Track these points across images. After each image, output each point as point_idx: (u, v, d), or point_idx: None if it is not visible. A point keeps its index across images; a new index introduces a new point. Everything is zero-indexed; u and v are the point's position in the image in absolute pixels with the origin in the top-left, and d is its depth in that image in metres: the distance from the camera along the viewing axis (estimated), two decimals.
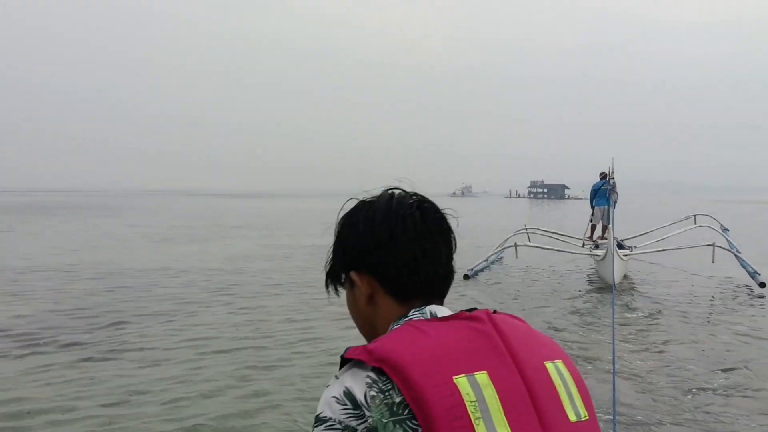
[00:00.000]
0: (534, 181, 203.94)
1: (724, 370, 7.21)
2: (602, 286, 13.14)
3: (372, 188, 1.20)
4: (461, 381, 0.95)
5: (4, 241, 22.79)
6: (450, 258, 1.17)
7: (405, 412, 0.93)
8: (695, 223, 18.76)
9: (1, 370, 6.96)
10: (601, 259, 13.48)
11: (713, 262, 13.96)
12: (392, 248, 1.11)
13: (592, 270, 15.53)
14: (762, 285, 12.54)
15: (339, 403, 0.96)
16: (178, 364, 7.23)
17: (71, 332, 8.68)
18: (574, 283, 13.98)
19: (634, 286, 13.43)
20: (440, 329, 1.02)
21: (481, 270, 14.95)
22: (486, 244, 18.66)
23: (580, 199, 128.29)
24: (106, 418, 5.60)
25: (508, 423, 0.95)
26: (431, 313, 1.10)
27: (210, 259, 17.45)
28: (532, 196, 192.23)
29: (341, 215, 1.20)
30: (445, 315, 1.09)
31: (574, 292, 12.57)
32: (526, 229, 18.46)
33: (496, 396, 0.96)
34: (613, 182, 14.06)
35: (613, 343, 5.57)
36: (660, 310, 10.66)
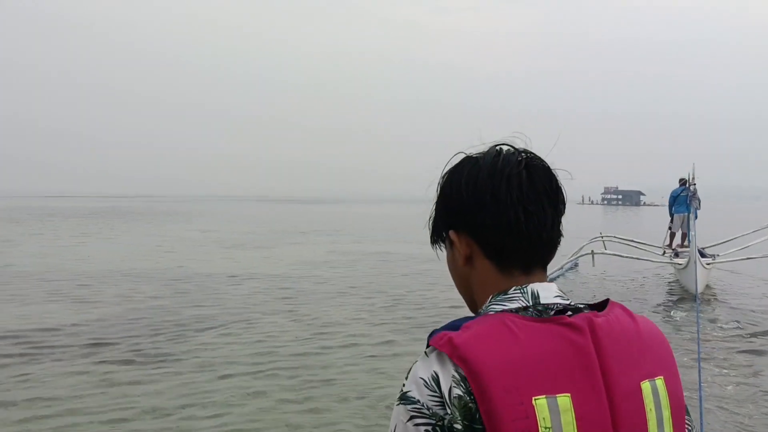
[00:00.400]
0: (608, 187, 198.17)
1: None
2: (684, 296, 12.64)
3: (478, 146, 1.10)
4: (540, 403, 0.89)
5: (78, 246, 23.38)
6: (557, 221, 1.07)
7: (482, 425, 0.88)
8: None
9: (56, 376, 6.99)
10: (683, 268, 12.98)
11: None
12: (494, 209, 1.03)
13: (672, 279, 14.98)
14: None
15: (427, 387, 0.91)
16: (234, 376, 7.07)
17: (132, 338, 8.69)
18: (653, 292, 13.50)
19: (717, 296, 12.86)
20: (533, 335, 0.93)
21: (556, 278, 14.63)
22: (560, 251, 18.20)
23: (657, 206, 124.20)
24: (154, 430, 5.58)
25: None
26: (533, 295, 1.01)
27: (276, 265, 17.50)
28: (605, 202, 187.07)
29: (445, 169, 1.12)
30: (547, 302, 1.00)
31: (653, 303, 12.13)
32: (602, 236, 17.96)
33: (574, 423, 0.90)
34: (694, 189, 13.51)
35: (699, 362, 5.28)
36: (749, 324, 10.12)
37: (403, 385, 0.94)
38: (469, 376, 0.89)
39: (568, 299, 1.04)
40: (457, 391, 0.89)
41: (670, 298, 12.76)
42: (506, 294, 1.02)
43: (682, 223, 17.16)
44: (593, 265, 14.92)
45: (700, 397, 4.35)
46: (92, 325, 9.59)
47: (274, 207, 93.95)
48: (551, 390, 0.90)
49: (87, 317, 10.14)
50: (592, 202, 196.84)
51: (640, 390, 0.97)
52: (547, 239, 1.06)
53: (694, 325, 8.81)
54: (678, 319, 10.55)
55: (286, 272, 16.05)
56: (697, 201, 14.60)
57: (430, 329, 1.01)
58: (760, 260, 14.39)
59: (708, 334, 9.45)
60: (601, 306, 1.04)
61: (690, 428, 1.08)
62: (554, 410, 0.89)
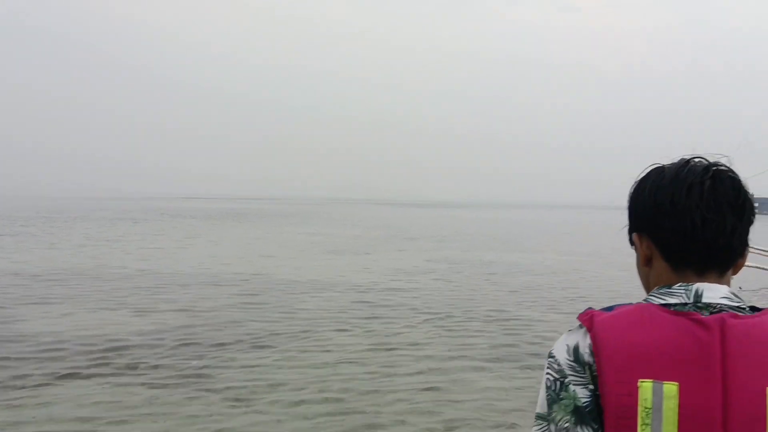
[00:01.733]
0: None
1: None
2: None
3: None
4: (645, 385, 0.99)
5: (178, 249, 23.40)
6: (737, 230, 1.10)
7: (597, 391, 1.04)
8: None
9: (90, 391, 6.46)
10: None
11: None
12: (672, 215, 1.10)
13: None
14: None
15: (567, 352, 1.08)
16: (269, 404, 6.19)
17: (190, 350, 8.16)
18: None
19: None
20: (661, 325, 1.03)
21: None
22: None
23: None
24: None
25: None
26: (696, 294, 1.07)
27: (367, 273, 16.78)
28: None
29: (638, 178, 1.20)
30: (710, 301, 1.06)
31: None
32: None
33: (676, 410, 0.97)
34: None
35: None
36: None
37: (552, 347, 1.12)
38: (596, 350, 1.03)
39: (739, 302, 1.08)
40: (588, 359, 1.05)
41: None
42: (670, 288, 1.10)
43: None
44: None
45: None
46: (148, 334, 8.93)
47: (411, 211, 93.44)
48: (660, 376, 0.99)
49: (148, 324, 9.64)
50: None
51: (764, 395, 0.98)
52: (724, 245, 1.09)
53: None
54: None
55: (375, 281, 15.21)
56: None
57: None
58: None
59: None
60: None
61: None
62: (658, 394, 0.98)
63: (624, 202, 1.22)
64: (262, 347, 8.38)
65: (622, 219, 1.25)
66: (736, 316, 1.02)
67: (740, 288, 16.37)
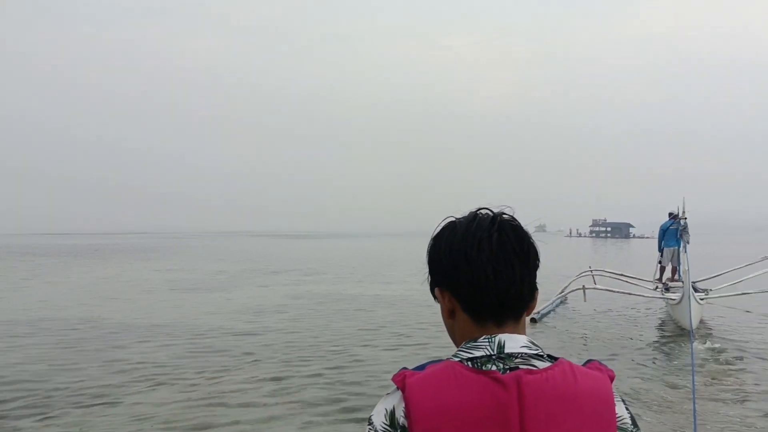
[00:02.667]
0: (596, 220, 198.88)
1: None
2: (678, 333, 12.25)
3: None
4: None
5: (10, 291, 20.99)
6: (526, 277, 1.19)
7: None
8: None
9: None
10: (677, 303, 12.70)
11: None
12: (467, 270, 1.16)
13: (663, 314, 14.74)
14: None
15: (384, 416, 1.11)
16: None
17: None
18: (645, 328, 13.14)
19: (713, 332, 12.57)
20: (466, 386, 1.07)
21: (547, 313, 14.41)
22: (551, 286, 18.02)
23: (646, 238, 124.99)
24: None
25: None
26: (499, 344, 1.14)
27: (215, 315, 14.93)
28: (594, 235, 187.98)
29: (434, 233, 1.26)
30: (512, 351, 1.13)
31: (647, 339, 11.73)
32: (591, 271, 17.79)
33: None
34: (685, 222, 13.38)
35: (693, 400, 5.13)
36: (740, 357, 9.91)
37: (372, 411, 1.14)
38: (408, 413, 1.08)
39: (537, 349, 1.16)
40: (402, 422, 1.09)
41: (663, 334, 12.42)
42: (475, 342, 1.16)
43: (672, 257, 17.01)
44: (585, 301, 14.70)
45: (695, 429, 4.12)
46: None
47: (282, 242, 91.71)
48: None
49: None
50: (581, 235, 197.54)
51: None
52: (516, 294, 1.18)
53: (688, 361, 8.61)
54: (673, 355, 10.30)
55: (219, 324, 13.54)
56: (687, 235, 14.45)
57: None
58: (756, 295, 14.18)
59: (703, 368, 9.20)
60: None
61: None
62: None
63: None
64: (52, 416, 7.01)
65: None
66: (531, 372, 1.09)
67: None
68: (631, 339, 11.68)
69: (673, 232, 16.17)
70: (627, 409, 1.17)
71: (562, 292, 15.94)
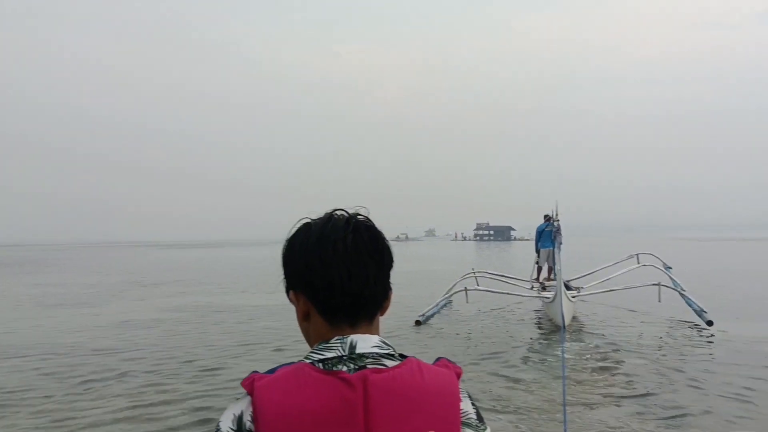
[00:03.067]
0: (480, 223, 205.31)
1: (681, 416, 6.99)
2: (552, 329, 12.93)
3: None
4: None
5: None
6: (380, 279, 1.22)
7: None
8: (638, 262, 18.97)
9: None
10: (551, 301, 13.37)
11: (660, 301, 14.01)
12: (321, 272, 1.17)
13: (540, 312, 15.44)
14: (710, 323, 12.55)
15: (232, 422, 1.10)
16: None
17: None
18: (523, 326, 13.72)
19: (583, 327, 13.29)
20: (313, 387, 1.08)
21: (432, 315, 14.72)
22: (436, 288, 18.44)
23: (526, 240, 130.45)
24: None
25: None
26: (351, 345, 1.15)
27: (80, 333, 13.84)
28: (478, 238, 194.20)
29: (289, 234, 1.25)
30: (363, 351, 1.14)
31: (524, 336, 12.29)
32: (474, 272, 18.37)
33: None
34: (558, 224, 14.08)
35: (564, 392, 5.37)
36: (611, 352, 10.46)
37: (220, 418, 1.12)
38: (255, 417, 1.08)
39: (388, 348, 1.17)
40: (249, 427, 1.09)
41: (539, 331, 13.04)
42: (327, 343, 1.17)
43: (548, 257, 17.87)
44: (467, 302, 15.15)
45: (565, 428, 4.33)
46: None
47: (161, 252, 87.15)
48: None
49: None
50: (465, 238, 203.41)
51: None
52: (370, 295, 1.20)
53: (560, 356, 9.01)
54: (547, 351, 10.78)
55: (81, 341, 12.62)
56: (560, 236, 15.19)
57: None
58: (620, 291, 15.15)
59: (573, 361, 9.70)
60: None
61: None
62: None
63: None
64: None
65: None
66: (378, 371, 1.11)
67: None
68: (511, 337, 12.13)
69: (548, 234, 16.95)
70: (473, 404, 1.20)
71: (447, 294, 16.34)
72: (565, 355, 8.78)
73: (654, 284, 14.21)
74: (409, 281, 24.57)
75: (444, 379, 1.16)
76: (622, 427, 6.60)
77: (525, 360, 10.07)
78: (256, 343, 12.06)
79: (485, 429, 1.20)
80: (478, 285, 16.59)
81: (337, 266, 1.17)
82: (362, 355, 1.14)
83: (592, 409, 7.26)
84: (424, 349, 10.81)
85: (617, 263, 19.84)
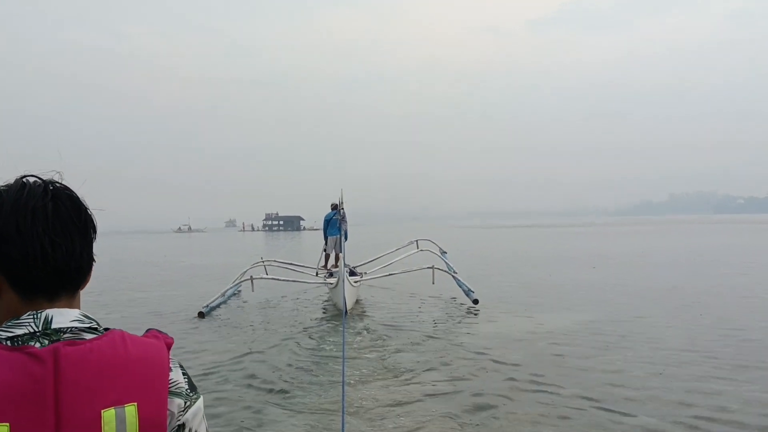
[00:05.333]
0: (269, 214, 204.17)
1: (449, 380, 7.77)
2: (335, 313, 13.32)
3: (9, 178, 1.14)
4: None
5: None
6: (85, 250, 1.14)
7: None
8: (417, 248, 20.23)
9: None
10: (334, 287, 13.81)
11: (433, 283, 15.13)
12: (19, 242, 1.06)
13: (327, 298, 15.90)
14: (476, 302, 13.85)
15: None
16: None
17: None
18: (309, 312, 13.93)
19: (365, 311, 13.91)
20: (2, 364, 0.98)
21: (218, 306, 14.49)
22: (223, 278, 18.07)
23: (316, 230, 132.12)
24: None
25: None
26: (46, 321, 1.06)
27: None
28: (267, 228, 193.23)
29: None
30: (60, 326, 1.06)
31: (309, 322, 12.51)
32: (263, 261, 18.40)
33: None
34: (343, 212, 14.57)
35: (343, 374, 5.63)
36: (388, 332, 11.09)
37: None
38: None
39: (90, 323, 1.10)
40: None
41: (323, 316, 13.36)
42: (18, 320, 1.06)
43: (335, 244, 18.41)
44: (252, 291, 15.15)
45: (343, 407, 4.59)
46: None
47: None
48: None
49: None
50: (254, 229, 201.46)
51: (99, 418, 1.01)
52: (75, 267, 1.12)
53: (341, 340, 9.39)
54: (327, 334, 11.15)
55: None
56: (345, 223, 15.79)
57: None
58: (400, 275, 16.13)
59: (353, 343, 10.16)
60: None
61: None
62: None
63: None
64: None
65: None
66: (73, 344, 1.02)
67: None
68: (293, 325, 12.24)
69: (335, 222, 17.48)
70: (185, 374, 1.17)
71: (233, 284, 16.19)
72: (346, 337, 9.23)
73: (428, 267, 15.32)
74: (191, 276, 23.84)
75: (150, 350, 1.11)
76: (394, 396, 7.21)
77: (309, 343, 10.35)
78: None
79: (198, 397, 1.18)
80: (267, 274, 16.64)
81: (38, 236, 1.07)
82: (59, 330, 1.06)
83: (367, 384, 7.78)
84: (206, 342, 10.68)
85: (399, 249, 20.95)
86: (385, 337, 10.68)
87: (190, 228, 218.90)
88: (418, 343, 10.12)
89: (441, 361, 8.90)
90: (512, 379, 7.87)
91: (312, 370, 8.52)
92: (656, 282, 18.29)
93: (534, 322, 11.89)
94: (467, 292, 14.48)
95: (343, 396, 5.36)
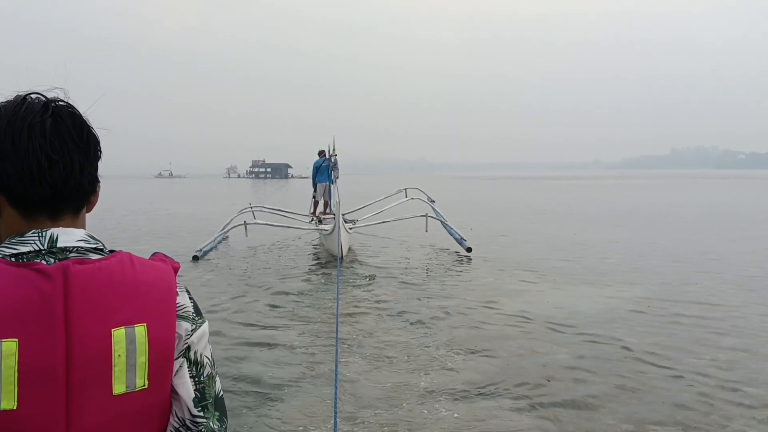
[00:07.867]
0: (256, 161, 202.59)
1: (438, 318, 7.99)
2: (329, 259, 13.40)
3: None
4: None
5: None
6: (86, 168, 1.09)
7: None
8: (406, 196, 20.21)
9: None
10: (329, 234, 13.74)
11: (426, 231, 15.15)
12: (15, 158, 1.03)
13: (317, 244, 15.90)
14: (469, 249, 13.89)
15: None
16: None
17: None
18: (301, 258, 14.01)
19: (358, 257, 14.00)
20: (8, 279, 0.97)
21: (210, 250, 14.47)
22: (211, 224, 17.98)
23: (304, 178, 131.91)
24: None
25: (19, 395, 0.94)
26: (51, 239, 1.04)
27: None
28: (254, 176, 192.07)
29: None
30: (66, 245, 1.04)
31: (302, 267, 12.58)
32: (252, 207, 18.30)
33: (16, 367, 0.94)
34: (335, 159, 14.41)
35: (337, 319, 5.68)
36: (382, 277, 11.18)
37: None
38: None
39: (96, 243, 1.08)
40: None
41: (317, 262, 13.43)
42: (23, 237, 1.04)
43: (324, 191, 18.38)
44: (246, 236, 15.09)
45: (337, 351, 4.59)
46: None
47: None
48: (0, 334, 0.94)
49: None
50: (239, 176, 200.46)
51: (109, 337, 1.00)
52: (75, 186, 1.07)
53: (335, 286, 9.47)
54: (325, 280, 11.21)
55: None
56: (337, 170, 15.66)
57: None
58: (391, 223, 16.13)
59: (348, 289, 10.24)
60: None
61: (195, 378, 1.13)
62: None
63: None
64: None
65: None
66: (82, 262, 1.01)
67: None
68: (287, 269, 12.31)
69: (325, 169, 17.42)
70: (191, 299, 1.16)
71: (224, 228, 16.12)
72: (340, 279, 9.31)
73: (422, 215, 15.31)
74: (178, 227, 23.45)
75: (158, 273, 1.10)
76: (386, 328, 7.63)
77: (301, 291, 10.33)
78: None
79: (203, 322, 1.16)
80: (256, 219, 16.58)
81: (35, 152, 1.03)
82: (65, 249, 1.04)
83: (359, 320, 8.17)
84: (204, 284, 10.74)
85: (387, 197, 20.94)
86: (377, 281, 10.87)
87: (171, 174, 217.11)
88: (411, 286, 10.40)
89: (429, 302, 9.13)
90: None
91: (310, 303, 8.84)
92: (703, 246, 15.93)
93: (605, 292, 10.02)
94: (460, 241, 14.50)
95: (337, 327, 5.42)
